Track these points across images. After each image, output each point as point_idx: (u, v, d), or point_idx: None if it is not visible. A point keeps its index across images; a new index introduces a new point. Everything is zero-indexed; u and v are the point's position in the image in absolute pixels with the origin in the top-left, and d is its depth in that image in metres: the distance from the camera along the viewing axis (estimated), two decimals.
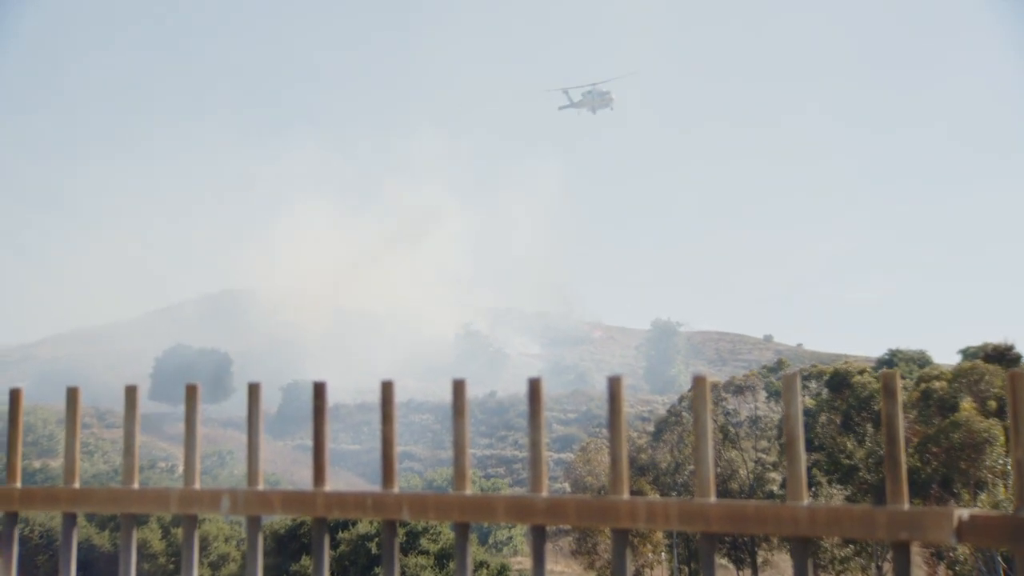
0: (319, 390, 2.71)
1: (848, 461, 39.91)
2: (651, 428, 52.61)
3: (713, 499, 2.33)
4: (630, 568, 2.39)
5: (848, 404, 41.81)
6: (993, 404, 37.32)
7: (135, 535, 2.91)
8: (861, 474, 39.11)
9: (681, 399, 49.30)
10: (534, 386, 2.57)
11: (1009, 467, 34.70)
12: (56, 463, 62.63)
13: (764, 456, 43.84)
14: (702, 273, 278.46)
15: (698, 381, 2.42)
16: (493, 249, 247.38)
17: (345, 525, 31.58)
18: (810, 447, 40.61)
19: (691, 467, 43.15)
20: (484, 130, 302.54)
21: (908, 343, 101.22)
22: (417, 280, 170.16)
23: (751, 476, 42.51)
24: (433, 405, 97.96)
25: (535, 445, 2.57)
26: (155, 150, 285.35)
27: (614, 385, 2.47)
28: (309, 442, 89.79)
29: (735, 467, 43.10)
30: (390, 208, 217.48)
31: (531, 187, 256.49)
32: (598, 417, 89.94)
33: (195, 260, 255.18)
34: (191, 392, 2.93)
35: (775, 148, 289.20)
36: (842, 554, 37.43)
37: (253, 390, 2.74)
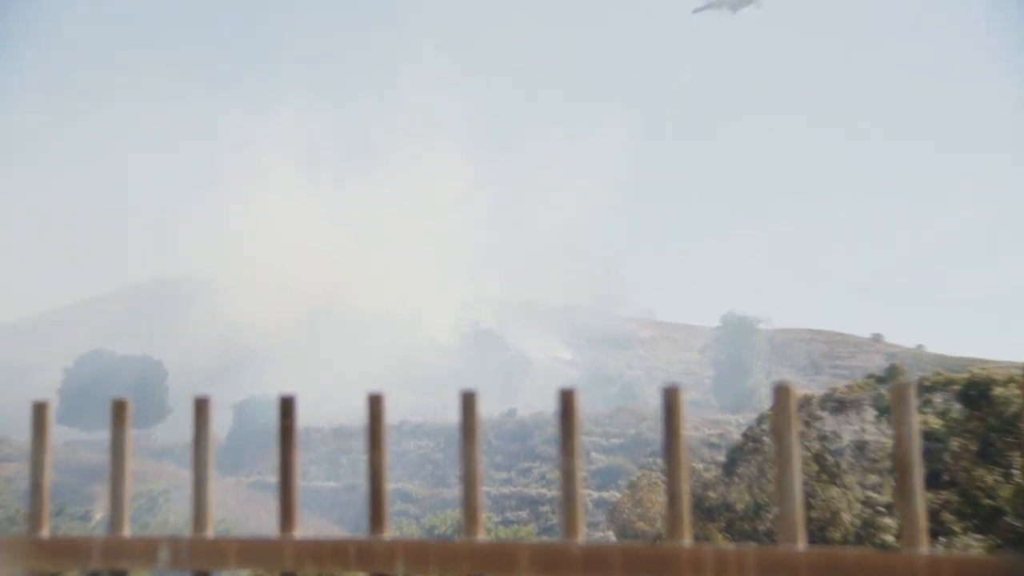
0: (287, 407, 2.75)
1: (990, 501, 39.67)
2: (722, 458, 52.47)
3: (802, 545, 2.35)
4: None
5: (987, 425, 41.56)
6: None
7: None
8: (1008, 519, 38.87)
9: (761, 419, 49.09)
10: (567, 400, 2.60)
11: None
12: None
13: (875, 495, 43.63)
14: (789, 255, 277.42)
15: (781, 392, 2.44)
16: (516, 226, 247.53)
17: None
18: (938, 482, 40.30)
19: (777, 508, 42.85)
20: (513, 73, 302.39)
21: None
22: (415, 267, 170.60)
23: (858, 521, 42.35)
24: (433, 428, 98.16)
25: (568, 477, 2.60)
26: (80, 107, 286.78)
27: (671, 398, 2.50)
28: (269, 478, 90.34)
29: (836, 509, 42.95)
30: (384, 176, 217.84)
31: (570, 148, 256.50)
32: (651, 443, 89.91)
33: (122, 240, 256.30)
34: (119, 410, 2.97)
35: (889, 106, 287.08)
36: None
37: (201, 407, 2.78)
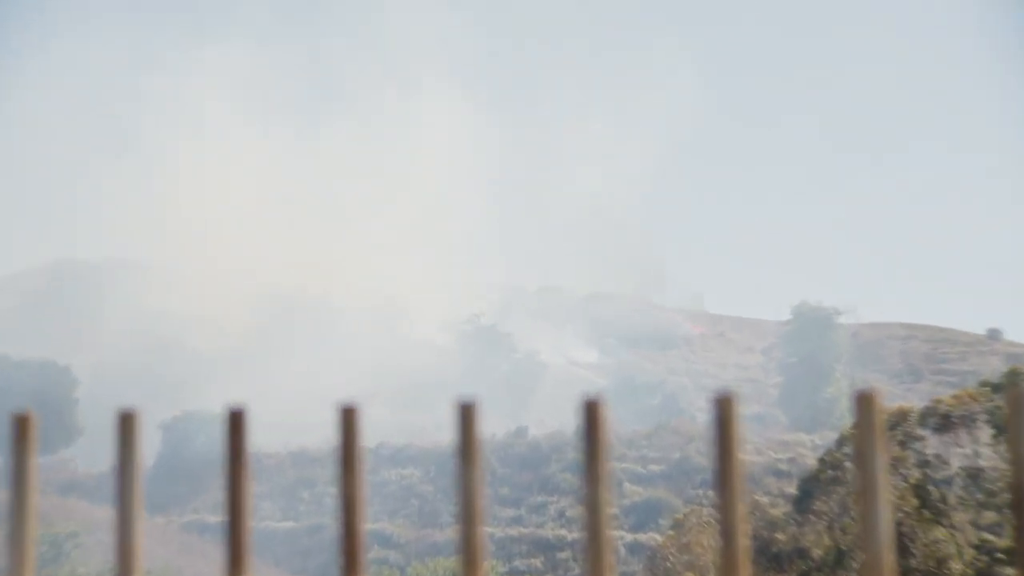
0: (235, 422, 2.77)
1: None
2: (793, 489, 52.60)
3: None
4: None
5: None
6: None
7: None
8: None
9: (843, 439, 49.16)
10: (592, 415, 2.62)
11: None
12: None
13: (992, 539, 43.63)
14: (878, 233, 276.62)
15: (865, 402, 2.46)
16: (530, 195, 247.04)
17: None
18: None
19: (863, 554, 42.73)
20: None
21: None
22: (399, 246, 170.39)
23: (971, 571, 42.38)
24: (420, 451, 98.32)
25: (595, 514, 2.62)
26: None
27: (724, 410, 2.52)
28: (209, 517, 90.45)
29: (943, 555, 42.95)
30: (361, 131, 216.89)
31: (605, 99, 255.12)
32: (701, 471, 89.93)
33: (18, 210, 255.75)
34: (20, 427, 3.00)
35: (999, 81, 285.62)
36: None
37: (126, 424, 2.81)
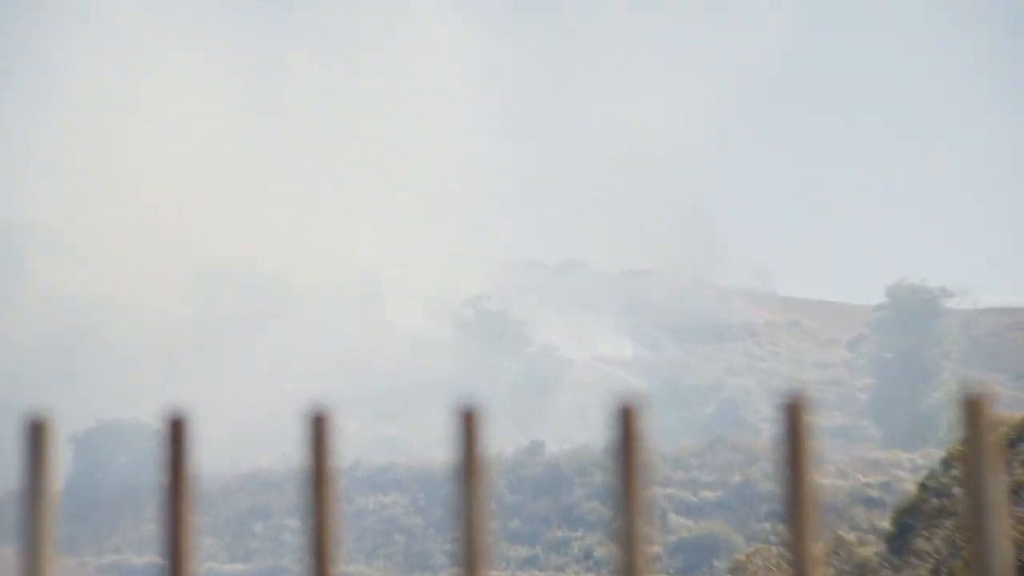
0: (176, 433, 2.80)
1: None
2: (887, 523, 52.80)
3: None
4: None
5: None
6: None
7: None
8: None
9: (951, 460, 49.20)
10: (627, 424, 2.65)
11: None
12: None
13: None
14: (1001, 194, 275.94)
15: (972, 407, 2.49)
16: (551, 146, 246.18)
17: None
18: None
19: None
20: None
21: None
22: (383, 212, 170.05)
23: None
24: (407, 474, 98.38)
25: (630, 551, 2.66)
26: None
27: (793, 417, 2.56)
28: (134, 557, 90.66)
29: None
30: (336, 62, 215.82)
31: (657, 29, 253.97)
32: (768, 498, 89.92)
33: None
34: None
35: None
36: None
37: (38, 434, 2.84)
